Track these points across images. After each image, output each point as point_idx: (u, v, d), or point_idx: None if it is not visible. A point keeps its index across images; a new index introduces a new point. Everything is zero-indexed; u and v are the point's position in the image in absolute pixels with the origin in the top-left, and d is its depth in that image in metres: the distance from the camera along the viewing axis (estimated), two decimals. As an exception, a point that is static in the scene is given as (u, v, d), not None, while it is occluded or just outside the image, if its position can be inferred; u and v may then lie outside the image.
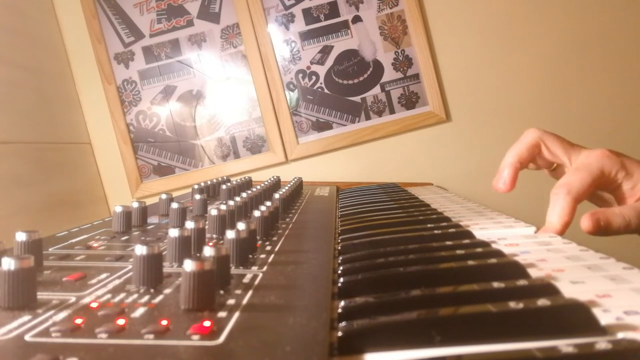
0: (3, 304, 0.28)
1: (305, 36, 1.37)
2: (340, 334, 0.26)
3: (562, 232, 0.48)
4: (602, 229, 0.45)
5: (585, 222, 0.46)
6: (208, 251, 0.32)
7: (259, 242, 0.47)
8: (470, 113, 1.35)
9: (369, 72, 1.36)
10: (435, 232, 0.51)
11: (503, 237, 0.49)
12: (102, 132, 1.40)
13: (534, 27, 1.35)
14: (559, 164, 0.55)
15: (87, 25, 1.37)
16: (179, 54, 1.39)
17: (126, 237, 0.50)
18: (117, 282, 0.34)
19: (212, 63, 1.39)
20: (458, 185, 1.30)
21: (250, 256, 0.41)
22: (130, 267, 0.37)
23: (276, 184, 0.84)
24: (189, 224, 0.41)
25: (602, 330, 0.25)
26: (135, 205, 0.57)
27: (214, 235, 0.49)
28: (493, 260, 0.38)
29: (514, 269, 0.36)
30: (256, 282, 0.34)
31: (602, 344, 0.23)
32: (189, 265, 0.28)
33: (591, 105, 1.33)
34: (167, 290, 0.32)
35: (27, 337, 0.25)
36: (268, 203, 0.53)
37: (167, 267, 0.37)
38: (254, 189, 0.69)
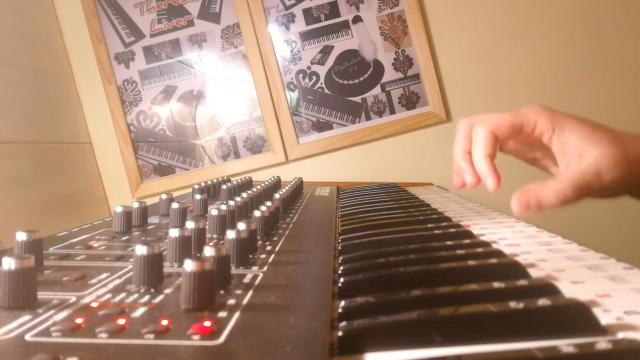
0: (3, 303, 0.28)
1: (306, 36, 1.37)
2: (340, 333, 0.26)
3: (487, 169, 0.45)
4: (533, 209, 0.42)
5: (514, 204, 0.42)
6: (208, 251, 0.32)
7: (259, 242, 0.47)
8: (470, 113, 1.33)
9: (369, 72, 1.36)
10: (436, 232, 0.51)
11: (503, 237, 0.49)
12: (102, 132, 1.40)
13: (534, 27, 1.34)
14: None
15: (87, 25, 1.37)
16: (179, 54, 1.39)
17: (126, 237, 0.50)
18: (117, 282, 0.34)
19: (212, 63, 1.39)
20: (458, 185, 1.30)
21: (251, 256, 0.41)
22: (131, 267, 0.37)
23: (276, 184, 0.84)
24: (190, 224, 0.41)
25: (603, 330, 0.25)
26: (136, 205, 0.57)
27: (215, 235, 0.49)
28: (493, 260, 0.38)
29: (515, 269, 0.36)
30: (256, 282, 0.34)
31: (602, 344, 0.23)
32: (189, 265, 0.28)
33: (591, 105, 1.33)
34: (168, 290, 0.32)
35: (28, 337, 0.25)
36: (268, 203, 0.53)
37: (168, 267, 0.37)
38: (254, 189, 0.69)
